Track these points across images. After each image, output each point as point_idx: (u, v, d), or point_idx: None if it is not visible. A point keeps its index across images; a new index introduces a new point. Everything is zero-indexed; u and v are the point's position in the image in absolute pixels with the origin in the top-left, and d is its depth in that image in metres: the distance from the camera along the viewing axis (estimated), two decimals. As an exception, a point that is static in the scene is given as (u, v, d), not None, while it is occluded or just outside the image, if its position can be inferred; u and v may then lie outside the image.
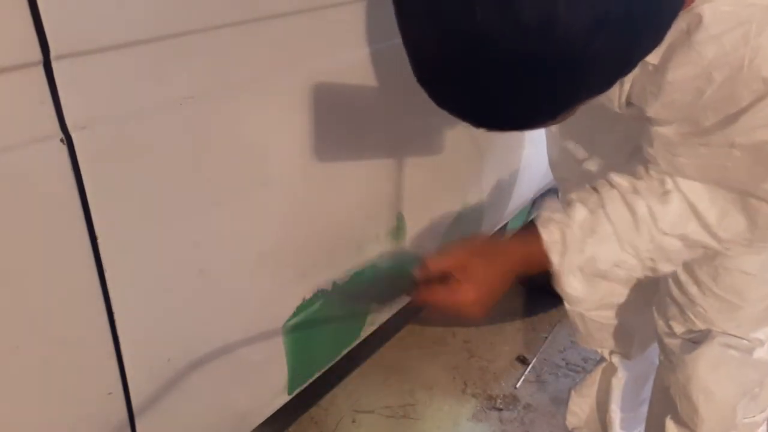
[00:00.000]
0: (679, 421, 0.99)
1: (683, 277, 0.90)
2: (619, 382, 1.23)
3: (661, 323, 0.98)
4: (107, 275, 0.59)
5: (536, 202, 1.55)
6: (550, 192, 1.57)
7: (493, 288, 0.76)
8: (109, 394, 0.64)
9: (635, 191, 0.74)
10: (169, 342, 0.69)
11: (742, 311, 0.88)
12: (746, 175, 0.66)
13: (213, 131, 0.65)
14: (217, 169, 0.67)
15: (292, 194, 0.78)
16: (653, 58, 0.63)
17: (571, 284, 0.76)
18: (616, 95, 0.71)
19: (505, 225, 1.44)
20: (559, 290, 0.78)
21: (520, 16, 0.42)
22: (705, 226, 0.72)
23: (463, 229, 1.19)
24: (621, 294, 1.10)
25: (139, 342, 0.65)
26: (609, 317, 1.14)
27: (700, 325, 0.91)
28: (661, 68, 0.62)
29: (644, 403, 1.20)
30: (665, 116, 0.67)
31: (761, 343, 0.91)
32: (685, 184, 0.71)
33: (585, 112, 0.60)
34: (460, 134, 1.04)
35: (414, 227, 1.02)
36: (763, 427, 1.01)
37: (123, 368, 0.64)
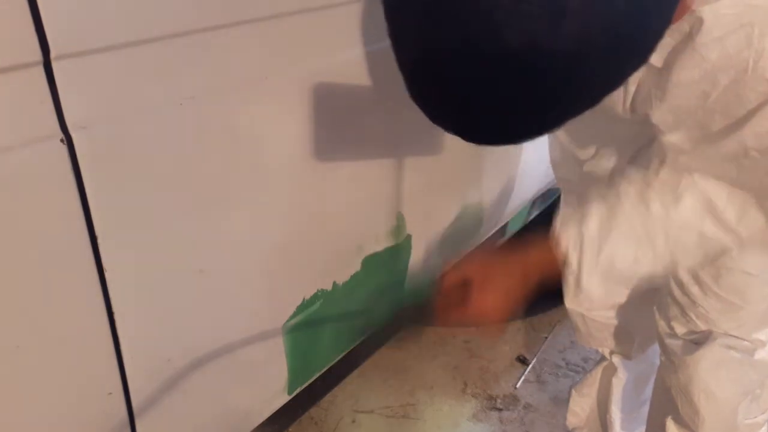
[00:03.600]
0: (679, 421, 0.98)
1: (685, 277, 0.90)
2: (619, 382, 1.23)
3: (662, 324, 0.98)
4: (107, 275, 0.59)
5: (536, 202, 1.55)
6: (550, 192, 1.57)
7: (513, 294, 0.77)
8: (109, 394, 0.64)
9: (649, 187, 0.74)
10: (169, 342, 0.69)
11: (744, 312, 0.88)
12: (764, 171, 0.65)
13: (213, 131, 0.65)
14: (217, 169, 0.67)
15: (292, 194, 0.78)
16: (657, 60, 0.62)
17: (591, 284, 0.76)
18: (620, 99, 0.71)
19: (506, 225, 1.44)
20: (577, 290, 0.77)
21: (504, 39, 0.42)
22: (724, 224, 0.71)
23: (463, 229, 1.19)
24: (622, 294, 1.10)
25: (139, 342, 0.65)
26: (610, 317, 1.14)
27: (702, 326, 0.91)
28: (665, 71, 0.62)
29: (645, 404, 1.20)
30: (671, 121, 0.66)
31: (762, 344, 0.90)
32: (703, 182, 0.71)
33: (587, 115, 0.60)
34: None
35: (414, 227, 1.02)
36: (764, 428, 1.01)
37: (123, 368, 0.64)
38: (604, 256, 0.75)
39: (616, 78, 0.49)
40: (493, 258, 0.79)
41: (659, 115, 0.66)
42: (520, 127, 0.51)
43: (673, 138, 0.68)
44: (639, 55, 0.48)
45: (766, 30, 0.56)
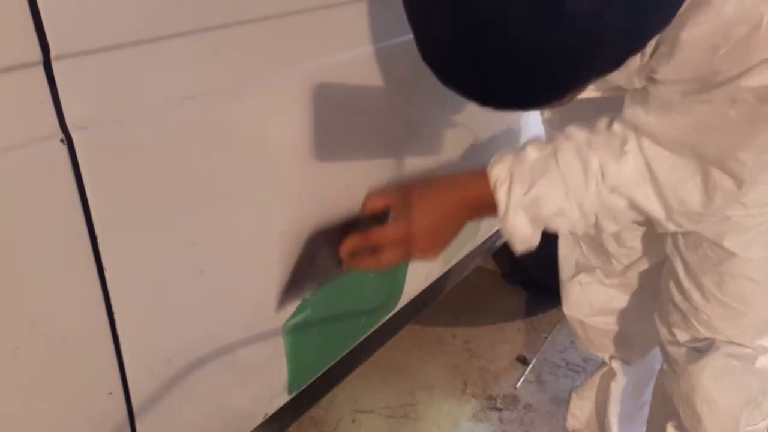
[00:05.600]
0: (681, 428, 0.98)
1: (686, 283, 0.89)
2: (618, 386, 1.22)
3: (663, 330, 0.97)
4: (107, 275, 0.59)
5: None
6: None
7: (438, 224, 0.73)
8: (110, 394, 0.64)
9: (590, 146, 0.72)
10: (169, 342, 0.69)
11: (747, 318, 0.87)
12: (730, 138, 0.66)
13: (213, 131, 0.65)
14: (217, 169, 0.67)
15: (291, 194, 0.78)
16: None
17: (516, 223, 0.73)
18: (635, 67, 0.68)
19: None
20: (504, 232, 0.75)
21: None
22: (659, 193, 0.71)
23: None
24: (621, 300, 1.10)
25: (139, 342, 0.65)
26: (608, 323, 1.13)
27: (704, 333, 0.90)
28: (675, 27, 0.61)
29: (644, 407, 1.20)
30: (675, 77, 0.65)
31: (765, 350, 0.90)
32: (650, 148, 0.70)
33: (585, 103, 0.58)
34: (460, 133, 1.04)
35: (415, 227, 1.02)
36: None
37: (123, 368, 0.64)
38: (531, 197, 0.72)
39: (639, 37, 0.48)
40: (419, 184, 0.74)
41: (664, 72, 0.64)
42: (541, 89, 0.50)
43: (667, 90, 0.66)
44: (663, 14, 0.48)
45: None
